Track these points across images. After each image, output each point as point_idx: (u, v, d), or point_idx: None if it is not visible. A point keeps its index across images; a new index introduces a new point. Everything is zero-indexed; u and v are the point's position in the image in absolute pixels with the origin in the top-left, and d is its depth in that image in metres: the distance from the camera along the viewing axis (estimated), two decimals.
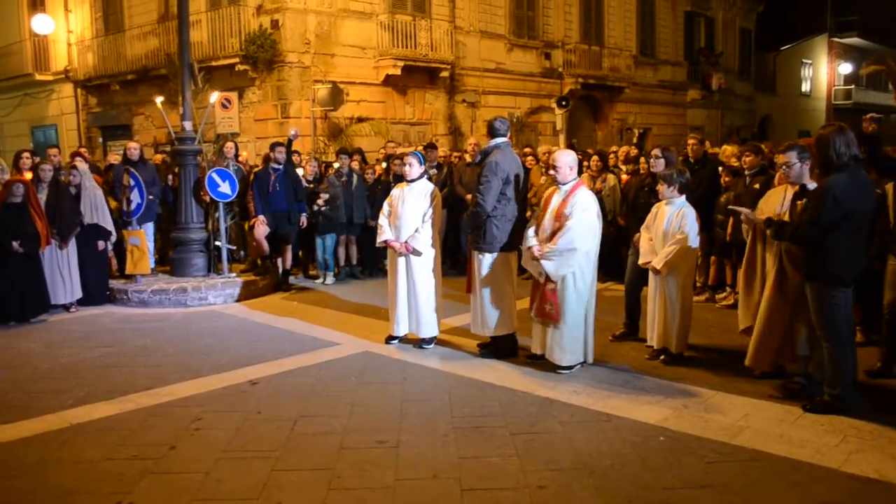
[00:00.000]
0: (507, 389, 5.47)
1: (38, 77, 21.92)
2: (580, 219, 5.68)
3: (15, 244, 7.95)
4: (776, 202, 5.55)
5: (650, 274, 6.27)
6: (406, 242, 6.63)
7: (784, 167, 5.26)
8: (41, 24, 21.06)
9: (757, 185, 7.88)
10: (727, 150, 9.78)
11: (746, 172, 8.13)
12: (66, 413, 5.16)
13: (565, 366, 5.83)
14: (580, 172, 9.97)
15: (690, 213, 6.14)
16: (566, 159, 5.96)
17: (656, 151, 7.38)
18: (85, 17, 20.97)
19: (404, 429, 4.71)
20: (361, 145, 15.77)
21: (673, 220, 6.12)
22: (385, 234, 6.79)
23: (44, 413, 5.18)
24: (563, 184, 5.90)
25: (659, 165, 7.03)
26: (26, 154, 8.96)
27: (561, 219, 5.74)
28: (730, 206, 6.08)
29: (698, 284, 8.84)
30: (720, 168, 8.98)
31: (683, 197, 6.24)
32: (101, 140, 21.08)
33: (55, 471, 4.22)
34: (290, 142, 10.18)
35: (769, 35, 33.33)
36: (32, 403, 5.39)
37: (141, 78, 18.73)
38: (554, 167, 5.96)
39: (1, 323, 7.96)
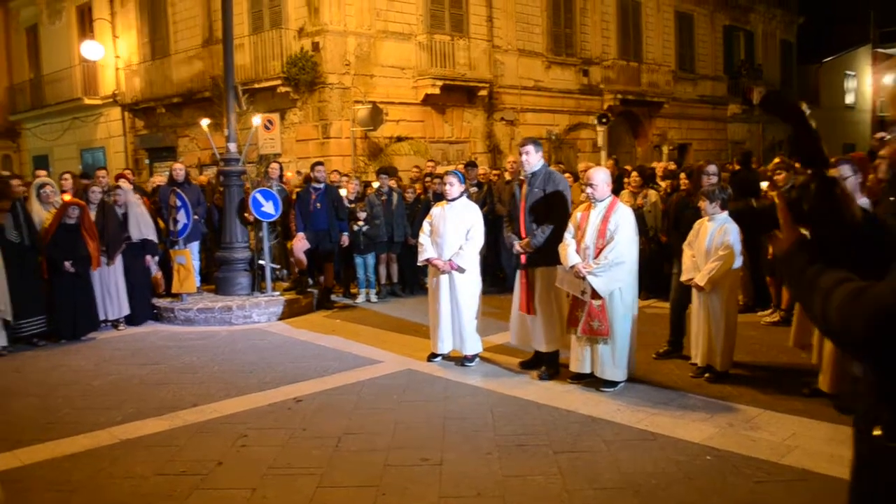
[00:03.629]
0: (549, 407, 5.45)
1: (87, 101, 22.61)
2: (625, 233, 5.70)
3: (67, 264, 8.18)
4: None
5: (693, 291, 6.22)
6: (450, 260, 6.67)
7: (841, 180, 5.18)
8: (91, 50, 21.73)
9: None
10: (775, 163, 9.67)
11: (781, 188, 8.03)
12: (116, 429, 5.28)
13: (617, 380, 5.82)
14: (620, 189, 10.05)
15: (733, 229, 6.07)
16: (602, 176, 5.97)
17: (710, 168, 7.30)
18: (132, 42, 21.58)
19: (447, 446, 4.73)
20: (401, 164, 15.93)
21: (715, 237, 6.07)
22: (427, 252, 6.85)
23: (95, 429, 5.30)
24: (600, 200, 5.90)
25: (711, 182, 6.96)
26: (66, 176, 9.23)
27: (605, 235, 5.74)
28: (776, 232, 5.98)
29: (741, 302, 8.74)
30: (765, 183, 8.89)
31: (726, 213, 6.18)
32: (147, 162, 21.61)
33: (108, 486, 4.32)
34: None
35: (811, 47, 32.87)
36: (84, 419, 5.53)
37: (186, 101, 19.18)
38: (590, 184, 5.95)
39: (52, 340, 8.18)
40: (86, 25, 23.23)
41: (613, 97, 22.10)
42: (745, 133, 28.03)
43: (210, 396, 5.99)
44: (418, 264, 7.23)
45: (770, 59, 30.27)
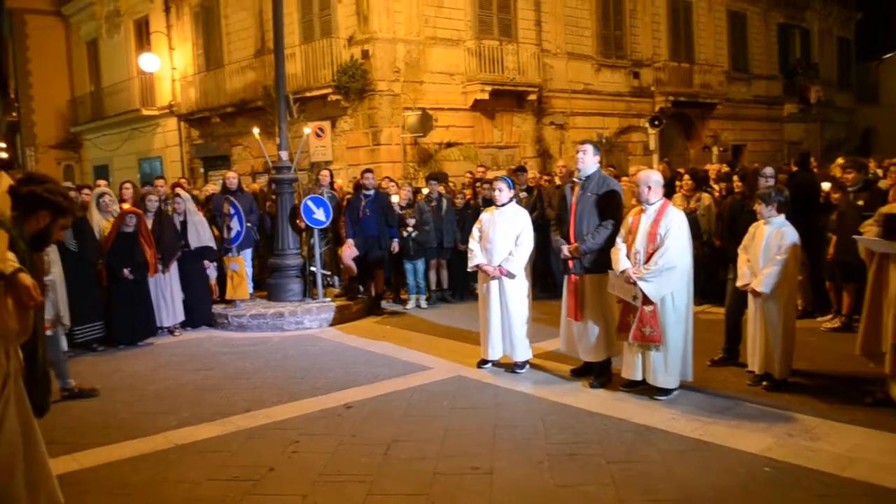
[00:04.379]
0: (602, 416, 5.37)
1: (145, 112, 23.22)
2: (677, 237, 5.60)
3: (125, 271, 8.37)
4: None
5: (750, 296, 6.07)
6: (500, 266, 6.64)
7: None
8: (148, 62, 22.36)
9: (861, 202, 7.55)
10: (839, 162, 9.39)
11: (849, 189, 7.80)
12: (171, 434, 5.37)
13: (670, 388, 5.71)
14: (672, 192, 9.88)
15: (791, 233, 5.91)
16: (653, 179, 5.86)
17: (767, 170, 7.13)
18: (187, 54, 22.09)
19: (498, 455, 4.68)
20: (450, 170, 15.97)
21: (772, 241, 5.91)
22: (477, 258, 6.82)
23: (151, 433, 5.40)
24: (651, 204, 5.80)
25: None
26: (126, 185, 9.44)
27: (656, 239, 5.64)
28: (854, 237, 5.83)
29: (800, 307, 8.50)
30: (827, 184, 8.66)
31: (783, 216, 6.01)
32: (202, 170, 22.07)
33: (162, 490, 4.39)
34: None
35: (869, 44, 31.90)
36: (140, 424, 5.64)
37: (239, 110, 19.53)
38: (641, 187, 5.86)
39: (111, 346, 8.38)
40: (143, 38, 23.89)
41: (665, 99, 21.78)
42: (801, 133, 27.33)
43: (262, 402, 6.05)
44: (468, 270, 7.20)
45: (827, 56, 29.47)
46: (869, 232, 5.51)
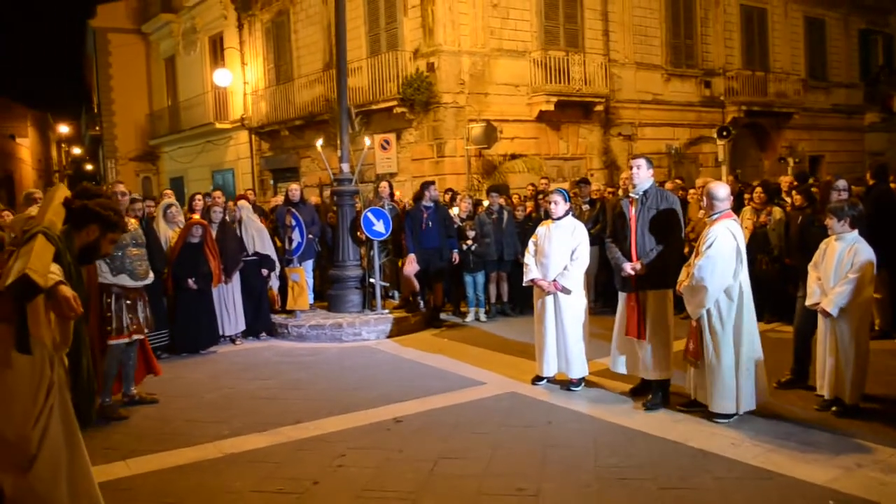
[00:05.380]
0: (657, 438, 5.17)
1: (218, 126, 23.87)
2: (708, 255, 5.41)
3: (190, 281, 8.55)
4: None
5: (819, 316, 5.76)
6: (555, 281, 6.51)
7: None
8: (222, 77, 23.01)
9: None
10: None
11: None
12: (223, 443, 5.42)
13: (717, 412, 5.47)
14: (741, 205, 9.54)
15: (865, 249, 5.60)
16: (712, 191, 5.66)
17: (839, 182, 6.79)
18: (259, 69, 22.63)
19: (545, 476, 4.55)
20: (515, 182, 15.86)
21: (844, 258, 5.60)
22: (532, 272, 6.72)
23: (202, 442, 5.47)
24: (710, 217, 5.61)
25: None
26: (198, 196, 9.65)
27: (700, 255, 5.45)
28: None
29: (878, 327, 8.07)
30: None
31: (856, 231, 5.70)
32: (272, 182, 22.53)
33: (206, 499, 4.42)
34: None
35: None
36: (194, 432, 5.71)
37: (307, 123, 19.85)
38: (701, 200, 5.68)
39: (174, 354, 8.56)
40: (217, 54, 24.62)
41: (737, 109, 21.16)
42: (884, 143, 26.13)
43: (314, 413, 6.06)
44: (523, 285, 7.07)
45: None
46: None
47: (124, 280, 6.18)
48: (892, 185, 8.84)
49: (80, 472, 3.45)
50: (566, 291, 6.52)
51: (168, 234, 8.84)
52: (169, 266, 8.55)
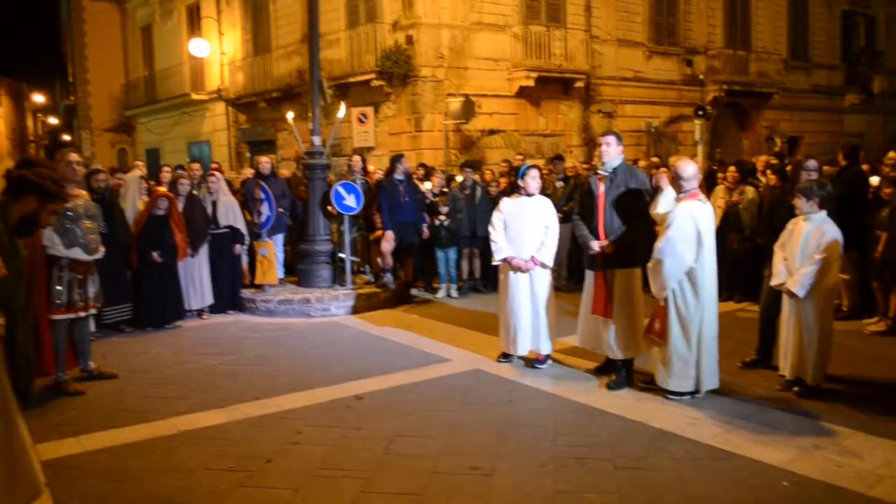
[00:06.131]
0: (617, 417, 5.12)
1: (195, 97, 23.53)
2: (667, 236, 5.36)
3: (155, 254, 8.39)
4: None
5: (784, 296, 5.72)
6: (533, 257, 6.43)
7: None
8: (198, 47, 22.61)
9: None
10: (891, 157, 8.88)
11: None
12: (178, 419, 5.32)
13: (674, 391, 5.46)
14: (713, 185, 9.50)
15: (832, 230, 5.55)
16: (679, 170, 5.58)
17: (810, 162, 6.75)
18: (236, 39, 22.26)
19: (502, 455, 4.49)
20: (493, 157, 15.73)
21: (811, 238, 5.56)
22: (504, 250, 6.55)
23: (159, 418, 5.35)
24: (678, 195, 5.56)
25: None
26: (166, 168, 9.49)
27: (661, 235, 5.40)
28: None
29: (845, 308, 8.08)
30: (877, 178, 8.20)
31: (824, 212, 5.65)
32: (248, 155, 22.25)
33: (157, 477, 4.32)
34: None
35: None
36: (150, 408, 5.60)
37: (285, 95, 19.57)
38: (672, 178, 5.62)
39: (138, 328, 8.42)
40: (194, 24, 24.16)
41: (718, 88, 21.06)
42: (864, 125, 26.21)
43: (274, 390, 5.96)
44: (493, 264, 6.85)
45: (893, 45, 28.14)
46: None
47: (77, 253, 6.01)
48: (864, 167, 8.80)
49: (16, 452, 3.32)
50: (546, 267, 6.46)
51: (137, 206, 8.67)
52: (133, 239, 8.40)
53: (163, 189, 9.03)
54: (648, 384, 5.71)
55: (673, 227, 5.35)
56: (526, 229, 6.51)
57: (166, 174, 9.40)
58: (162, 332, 8.40)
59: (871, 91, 25.63)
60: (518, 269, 6.47)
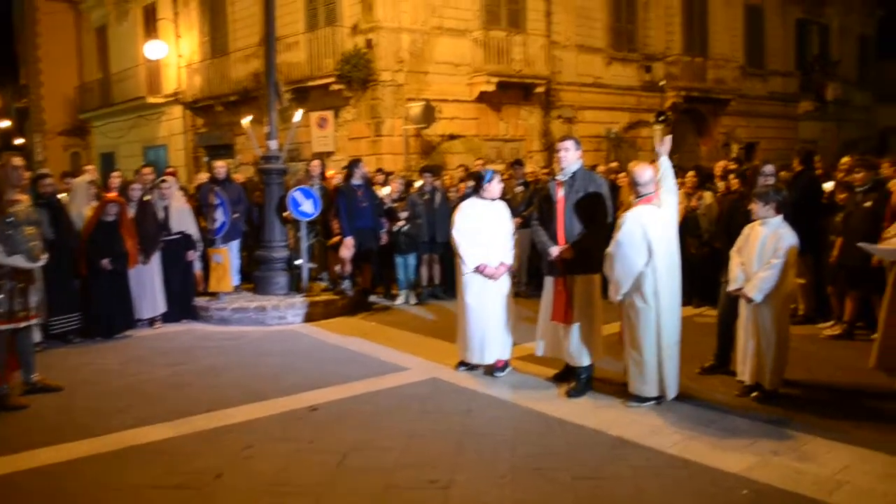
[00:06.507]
0: (576, 426, 5.05)
1: (151, 100, 23.03)
2: (616, 241, 5.39)
3: (105, 262, 8.14)
4: None
5: (742, 302, 5.72)
6: (503, 263, 6.37)
7: None
8: (153, 49, 22.14)
9: (869, 203, 7.18)
10: (844, 163, 8.99)
11: (857, 189, 7.42)
12: (125, 434, 5.11)
13: (637, 395, 5.45)
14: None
15: (788, 235, 5.56)
16: (635, 175, 5.58)
17: (767, 167, 6.78)
18: (193, 41, 21.88)
19: (460, 466, 4.38)
20: (454, 162, 15.65)
21: (767, 243, 5.56)
22: (476, 258, 6.31)
23: (105, 433, 5.15)
24: (634, 200, 5.54)
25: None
26: (116, 174, 9.22)
27: (612, 240, 5.43)
28: (861, 245, 5.50)
29: (801, 312, 8.14)
30: (831, 184, 8.30)
31: (780, 217, 5.66)
32: (206, 159, 21.84)
33: (100, 497, 4.14)
34: None
35: (891, 41, 31.11)
36: (96, 422, 5.39)
37: (243, 99, 19.27)
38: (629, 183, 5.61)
39: (87, 338, 8.14)
40: (150, 25, 23.68)
41: (677, 94, 21.26)
42: (818, 132, 26.70)
43: (226, 401, 5.78)
44: (466, 273, 6.40)
45: (847, 54, 28.77)
46: (890, 241, 5.13)
47: (19, 261, 5.76)
48: (818, 172, 8.90)
49: None
50: (509, 272, 6.45)
51: (84, 211, 8.41)
52: (82, 245, 8.13)
53: (113, 194, 8.77)
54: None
55: (621, 232, 5.36)
56: (495, 234, 6.43)
57: (116, 179, 9.12)
58: (111, 342, 8.14)
59: (825, 98, 26.13)
60: (490, 276, 6.33)
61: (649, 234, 5.30)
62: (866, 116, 30.12)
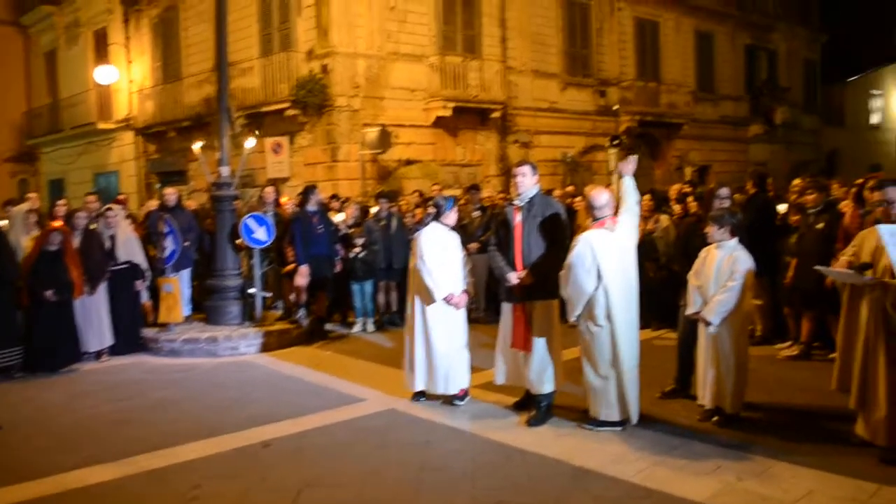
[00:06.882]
0: (538, 456, 4.93)
1: (101, 126, 22.55)
2: (567, 264, 5.38)
3: (48, 293, 7.84)
4: (873, 246, 4.75)
5: (700, 325, 5.69)
6: (465, 291, 6.30)
7: (886, 204, 4.64)
8: (104, 74, 21.73)
9: (821, 225, 7.25)
10: (796, 185, 9.12)
11: (810, 211, 7.50)
12: (66, 476, 4.85)
13: (598, 420, 5.42)
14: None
15: (744, 257, 5.56)
16: (591, 199, 5.60)
17: (722, 190, 6.82)
18: (145, 66, 21.56)
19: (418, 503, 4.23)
20: (410, 188, 15.54)
21: (724, 265, 5.55)
22: (446, 287, 6.14)
23: (45, 475, 4.88)
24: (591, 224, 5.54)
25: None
26: (62, 202, 8.95)
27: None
28: (817, 267, 5.53)
29: (758, 333, 8.17)
30: (784, 206, 8.40)
31: (735, 240, 5.66)
32: (158, 186, 21.40)
33: None
34: None
35: (835, 66, 32.09)
36: (37, 463, 5.11)
37: (196, 124, 18.96)
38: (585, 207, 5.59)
39: (30, 372, 7.80)
40: (101, 50, 23.26)
41: (631, 118, 21.54)
42: (768, 154, 27.26)
43: (174, 438, 5.54)
44: (434, 303, 6.20)
45: (793, 78, 29.55)
46: (840, 262, 5.14)
47: None
48: (770, 194, 9.00)
49: None
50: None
51: (24, 241, 8.11)
52: (23, 276, 7.82)
53: (58, 223, 8.48)
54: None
55: (572, 255, 5.36)
56: (455, 261, 6.33)
57: (61, 208, 8.84)
58: (55, 376, 7.81)
59: (774, 122, 26.73)
60: (455, 305, 6.20)
61: (599, 258, 5.27)
62: (814, 139, 30.90)
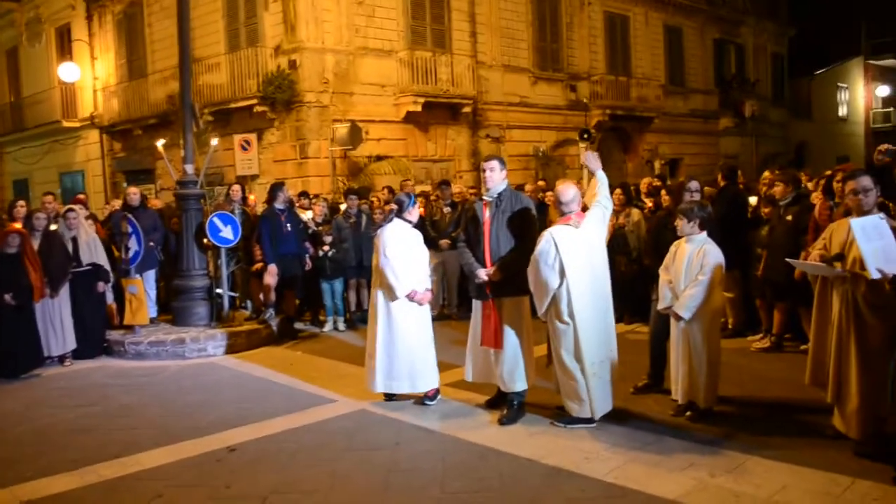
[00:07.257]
0: (509, 456, 4.84)
1: (66, 124, 22.10)
2: (532, 258, 5.32)
3: (7, 296, 7.61)
4: (843, 238, 4.66)
5: (672, 319, 5.64)
6: (429, 289, 6.19)
7: (857, 194, 4.56)
8: (68, 72, 21.32)
9: (790, 217, 7.25)
10: (766, 177, 9.14)
11: (780, 203, 7.49)
12: (21, 488, 4.67)
13: (568, 415, 5.37)
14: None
15: (714, 251, 5.51)
16: (558, 193, 5.53)
17: (692, 184, 6.77)
18: (110, 63, 21.16)
19: None
20: (382, 184, 15.39)
21: (694, 259, 5.50)
22: (409, 285, 6.01)
23: (0, 486, 4.70)
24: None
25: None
26: (21, 203, 8.69)
27: None
28: (787, 259, 5.49)
29: (730, 325, 8.17)
30: (755, 198, 8.40)
31: (705, 233, 5.61)
32: (125, 185, 21.02)
33: None
34: None
35: (802, 60, 32.47)
36: None
37: (162, 122, 18.68)
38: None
39: None
40: (65, 47, 22.80)
41: (602, 112, 21.58)
42: (738, 147, 27.53)
43: (137, 445, 5.38)
44: (397, 300, 6.06)
45: (761, 72, 29.84)
46: (812, 256, 5.11)
47: None
48: (741, 186, 9.01)
49: None
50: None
51: None
52: None
53: (17, 225, 8.24)
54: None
55: (536, 250, 5.29)
56: (420, 259, 6.22)
57: (21, 209, 8.58)
58: (16, 382, 7.58)
59: (744, 115, 26.95)
60: (419, 302, 6.09)
61: (562, 254, 5.20)
62: (782, 132, 31.27)
